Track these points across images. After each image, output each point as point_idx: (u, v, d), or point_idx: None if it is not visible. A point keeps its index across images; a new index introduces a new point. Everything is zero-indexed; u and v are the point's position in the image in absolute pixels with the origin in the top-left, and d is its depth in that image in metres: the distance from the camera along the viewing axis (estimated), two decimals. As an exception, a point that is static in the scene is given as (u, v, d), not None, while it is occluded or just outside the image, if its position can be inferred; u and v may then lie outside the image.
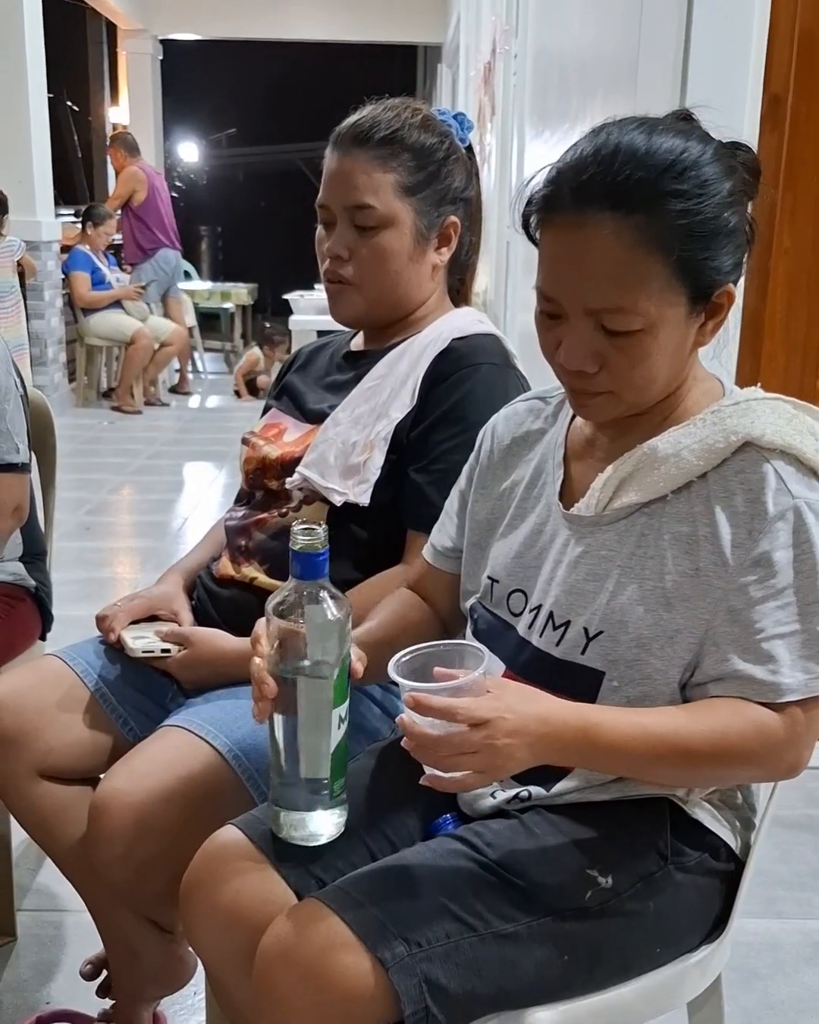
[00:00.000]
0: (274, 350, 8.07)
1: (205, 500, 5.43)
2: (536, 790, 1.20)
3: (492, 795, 1.22)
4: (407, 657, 1.08)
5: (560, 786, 1.18)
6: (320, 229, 1.63)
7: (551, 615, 1.19)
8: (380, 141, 1.55)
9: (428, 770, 1.06)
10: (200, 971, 1.61)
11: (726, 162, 1.10)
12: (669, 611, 1.12)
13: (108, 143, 8.63)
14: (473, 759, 1.02)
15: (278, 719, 1.12)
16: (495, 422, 1.38)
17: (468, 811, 1.25)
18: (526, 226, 1.15)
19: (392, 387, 1.57)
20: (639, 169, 1.05)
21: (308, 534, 1.08)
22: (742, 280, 1.15)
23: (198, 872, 1.21)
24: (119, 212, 8.23)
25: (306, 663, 1.09)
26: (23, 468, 1.97)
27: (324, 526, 1.09)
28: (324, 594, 1.09)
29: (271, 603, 1.10)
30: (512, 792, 1.21)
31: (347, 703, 1.12)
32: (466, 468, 1.40)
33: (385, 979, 1.03)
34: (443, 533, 1.41)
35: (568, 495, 1.24)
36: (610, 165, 1.06)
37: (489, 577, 1.29)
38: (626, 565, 1.15)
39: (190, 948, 1.57)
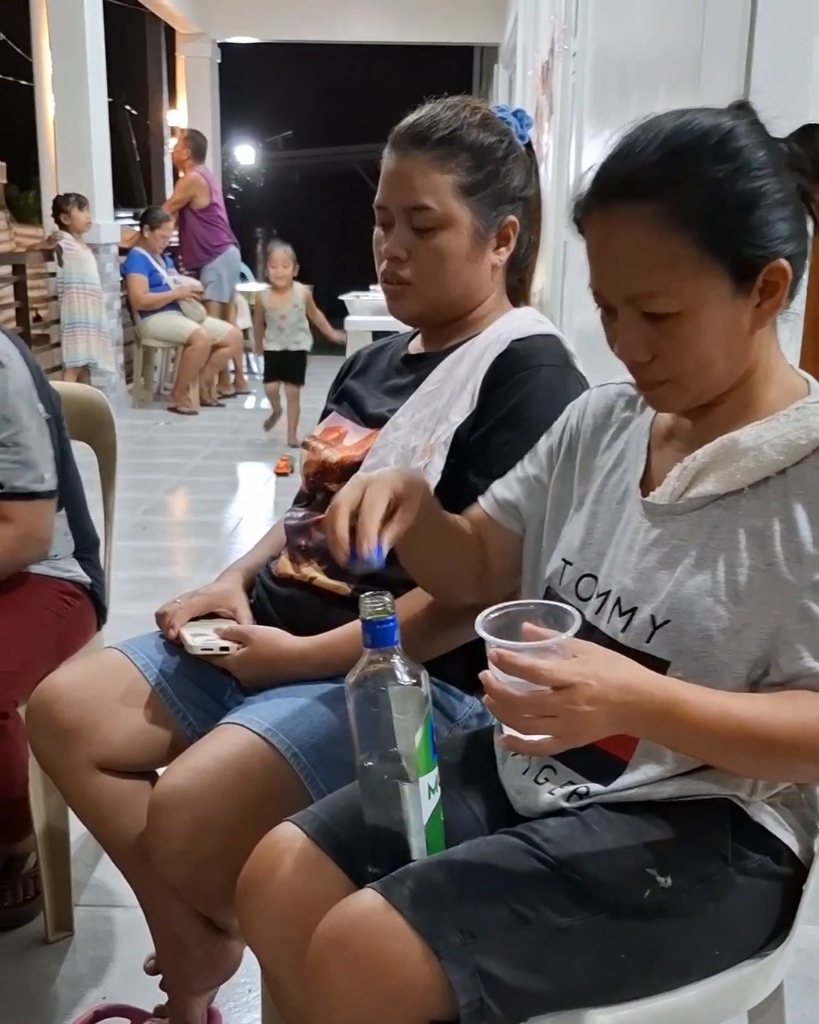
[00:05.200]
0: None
1: (260, 500, 5.46)
2: (595, 786, 1.19)
3: (549, 791, 1.21)
4: (495, 613, 1.07)
5: (619, 782, 1.17)
6: (378, 230, 1.62)
7: (619, 601, 1.18)
8: (438, 141, 1.54)
9: (505, 730, 1.05)
10: (256, 967, 1.61)
11: (762, 134, 1.09)
12: (738, 604, 1.11)
13: (177, 140, 8.68)
14: (552, 723, 1.01)
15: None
16: (586, 401, 1.36)
17: (523, 811, 1.24)
18: (575, 226, 1.16)
19: (452, 391, 1.56)
20: (653, 154, 1.07)
21: (376, 600, 1.10)
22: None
23: (255, 868, 1.22)
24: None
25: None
26: (47, 496, 1.98)
27: (389, 595, 1.10)
28: (397, 662, 1.11)
29: (349, 680, 1.12)
30: (569, 788, 1.20)
31: (436, 771, 1.14)
32: (545, 441, 1.38)
33: (439, 969, 1.03)
34: (507, 488, 1.39)
35: (647, 483, 1.23)
36: (627, 155, 1.09)
37: (563, 559, 1.27)
38: (698, 555, 1.14)
39: (236, 941, 1.61)
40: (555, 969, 1.07)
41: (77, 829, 1.91)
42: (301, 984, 1.11)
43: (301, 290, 6.27)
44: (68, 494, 2.09)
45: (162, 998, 1.70)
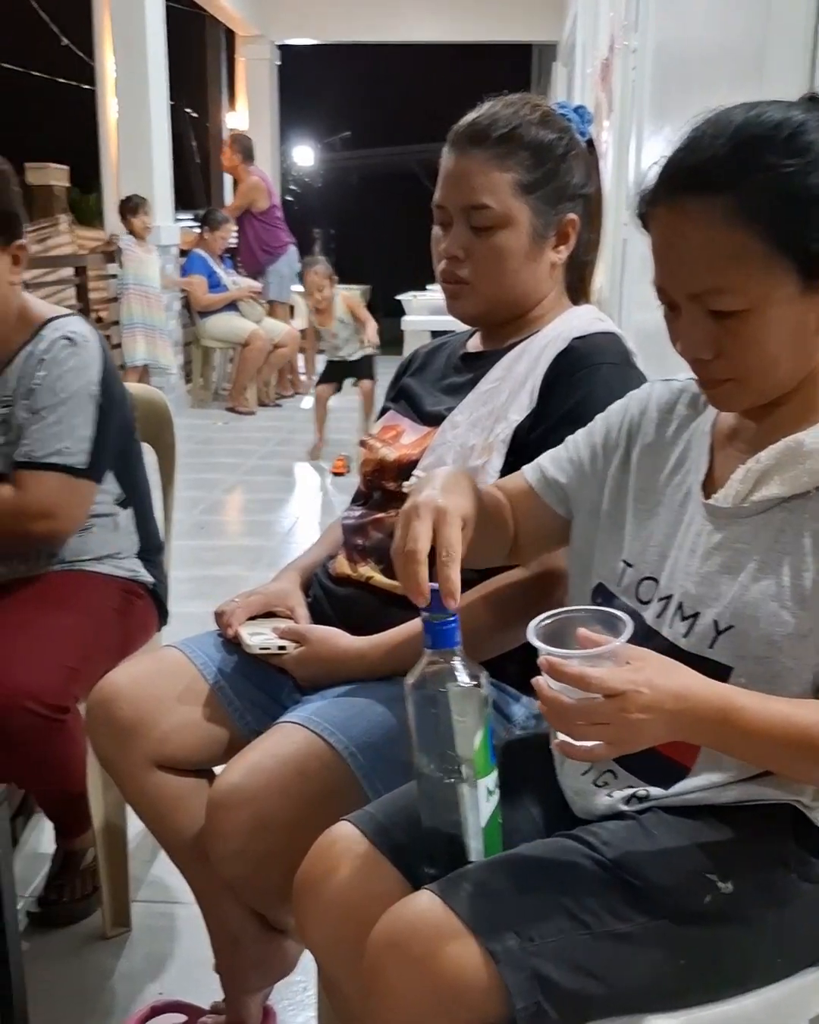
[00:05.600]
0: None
1: (316, 500, 5.47)
2: (655, 790, 1.17)
3: (608, 794, 1.20)
4: (547, 620, 1.06)
5: (680, 786, 1.16)
6: (436, 229, 1.62)
7: (681, 606, 1.17)
8: (497, 139, 1.53)
9: (559, 735, 1.04)
10: (311, 966, 1.62)
11: None
12: (804, 609, 1.08)
13: (225, 144, 8.74)
14: (604, 730, 1.00)
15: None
16: (648, 394, 1.33)
17: (581, 813, 1.23)
18: (639, 221, 1.14)
19: (510, 389, 1.55)
20: (723, 146, 1.04)
21: None
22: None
23: (312, 868, 1.22)
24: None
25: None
26: (69, 470, 1.93)
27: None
28: (457, 663, 1.10)
29: (409, 681, 1.11)
30: (629, 791, 1.18)
31: (495, 773, 1.13)
32: (603, 430, 1.34)
33: (496, 972, 1.02)
34: (559, 468, 1.36)
35: (709, 485, 1.21)
36: (695, 148, 1.07)
37: (624, 562, 1.25)
38: (762, 559, 1.12)
39: (292, 940, 1.61)
40: (613, 974, 1.06)
41: (135, 825, 1.92)
42: (357, 984, 1.11)
43: (343, 300, 6.18)
44: (136, 495, 2.11)
45: (218, 995, 1.70)
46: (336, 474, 5.78)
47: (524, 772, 1.30)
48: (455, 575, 1.11)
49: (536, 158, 1.55)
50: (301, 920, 1.23)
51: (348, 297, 6.25)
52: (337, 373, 6.26)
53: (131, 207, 6.95)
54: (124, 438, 2.06)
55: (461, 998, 1.03)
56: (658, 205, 1.10)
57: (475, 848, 1.13)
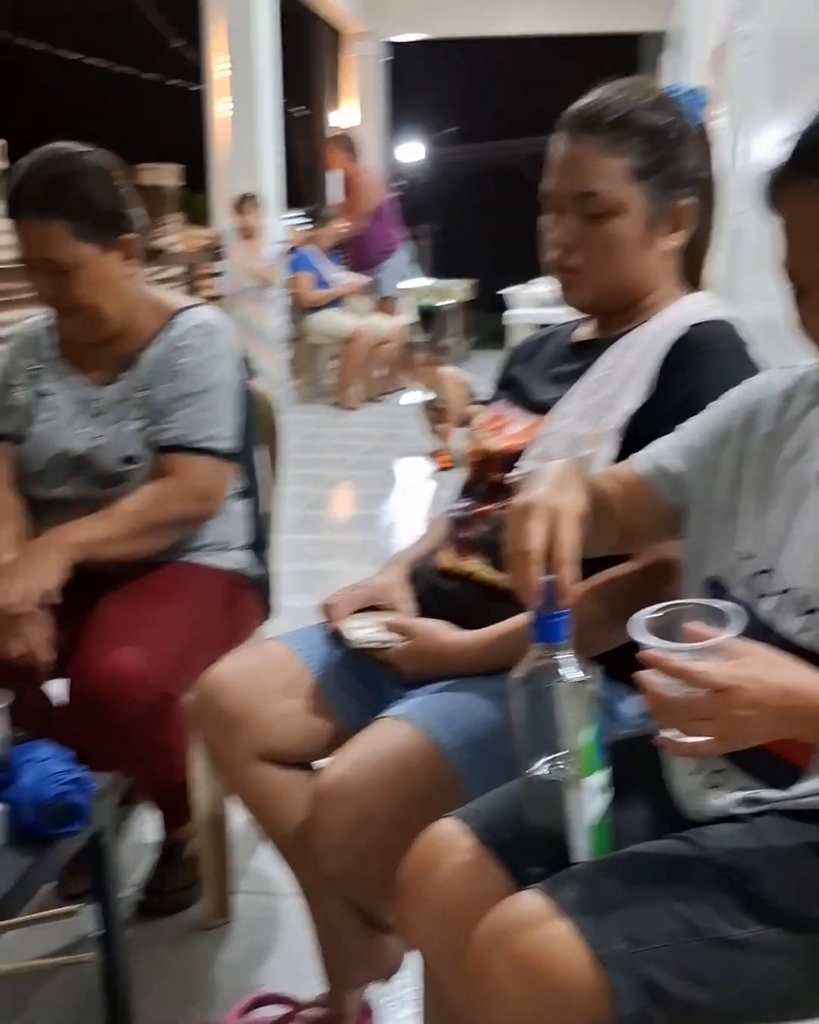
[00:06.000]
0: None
1: (420, 494, 5.46)
2: (770, 793, 1.13)
3: (720, 796, 1.16)
4: (655, 613, 1.04)
5: (800, 788, 1.11)
6: (546, 217, 1.58)
7: (800, 599, 1.12)
8: (610, 124, 1.49)
9: (665, 732, 1.01)
10: (412, 963, 1.60)
11: None
12: None
13: (331, 142, 8.79)
14: (709, 726, 0.97)
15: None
16: (768, 381, 1.29)
17: (692, 814, 1.19)
18: (768, 202, 1.10)
19: (622, 377, 1.51)
20: None
21: None
22: None
23: (415, 864, 1.20)
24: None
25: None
26: (219, 455, 1.98)
27: None
28: (566, 658, 1.08)
29: (516, 676, 1.10)
30: (742, 794, 1.15)
31: (604, 772, 1.11)
32: (720, 418, 1.30)
33: (603, 976, 0.99)
34: (671, 454, 1.31)
35: None
36: None
37: (740, 554, 1.21)
38: None
39: (395, 937, 1.60)
40: (724, 982, 1.02)
41: (237, 817, 1.93)
42: (460, 982, 1.10)
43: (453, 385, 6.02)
44: (253, 487, 2.13)
45: (319, 988, 1.70)
46: (442, 469, 5.75)
47: (632, 772, 1.27)
48: (569, 576, 1.10)
49: (650, 143, 1.50)
50: (403, 916, 1.22)
51: (454, 376, 6.13)
52: None
53: (238, 205, 7.02)
54: (248, 429, 2.08)
55: (566, 1001, 1.01)
56: (789, 185, 1.06)
57: (582, 848, 1.11)
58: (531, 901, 1.05)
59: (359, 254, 8.56)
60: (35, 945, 1.88)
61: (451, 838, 1.19)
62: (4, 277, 5.56)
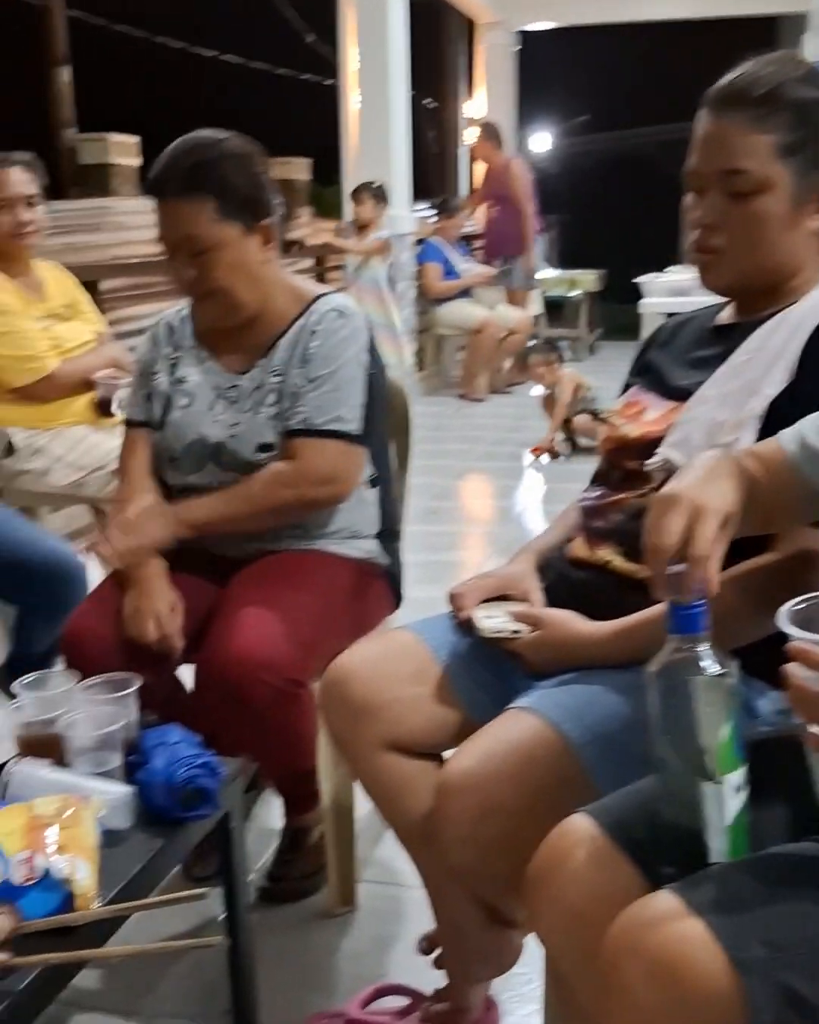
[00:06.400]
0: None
1: (546, 485, 5.41)
2: None
3: None
4: (801, 605, 1.00)
5: None
6: (688, 197, 1.53)
7: None
8: (758, 99, 1.43)
9: (812, 727, 0.97)
10: (536, 958, 1.57)
11: None
12: None
13: (478, 135, 8.73)
14: None
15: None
16: None
17: None
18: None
19: (766, 362, 1.45)
20: None
21: None
22: None
23: (545, 860, 1.18)
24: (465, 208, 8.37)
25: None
26: (345, 437, 1.97)
27: None
28: (705, 650, 1.05)
29: (652, 668, 1.07)
30: None
31: (742, 770, 1.07)
32: None
33: (739, 982, 0.95)
34: None
35: None
36: None
37: None
38: None
39: (517, 932, 1.58)
40: None
41: (362, 805, 1.93)
42: (588, 981, 1.08)
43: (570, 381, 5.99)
44: (384, 475, 2.13)
45: (442, 981, 1.68)
46: (537, 456, 5.71)
47: (771, 771, 1.22)
48: (707, 574, 1.07)
49: (799, 118, 1.44)
50: (533, 912, 1.20)
51: (573, 377, 6.06)
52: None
53: (353, 195, 7.00)
54: (379, 417, 2.08)
55: (699, 1006, 0.97)
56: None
57: (718, 848, 1.07)
58: (666, 901, 1.02)
59: (498, 243, 8.49)
60: (162, 926, 1.91)
61: (582, 834, 1.16)
62: (140, 271, 5.69)
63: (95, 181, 8.87)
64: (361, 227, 7.01)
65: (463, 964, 1.64)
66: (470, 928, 1.58)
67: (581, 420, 5.81)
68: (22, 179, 2.95)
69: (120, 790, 1.42)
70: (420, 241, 7.91)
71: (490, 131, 8.48)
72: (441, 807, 1.41)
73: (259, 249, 1.97)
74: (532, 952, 1.58)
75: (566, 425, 5.80)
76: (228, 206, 1.90)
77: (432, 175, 12.77)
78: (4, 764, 1.44)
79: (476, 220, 8.58)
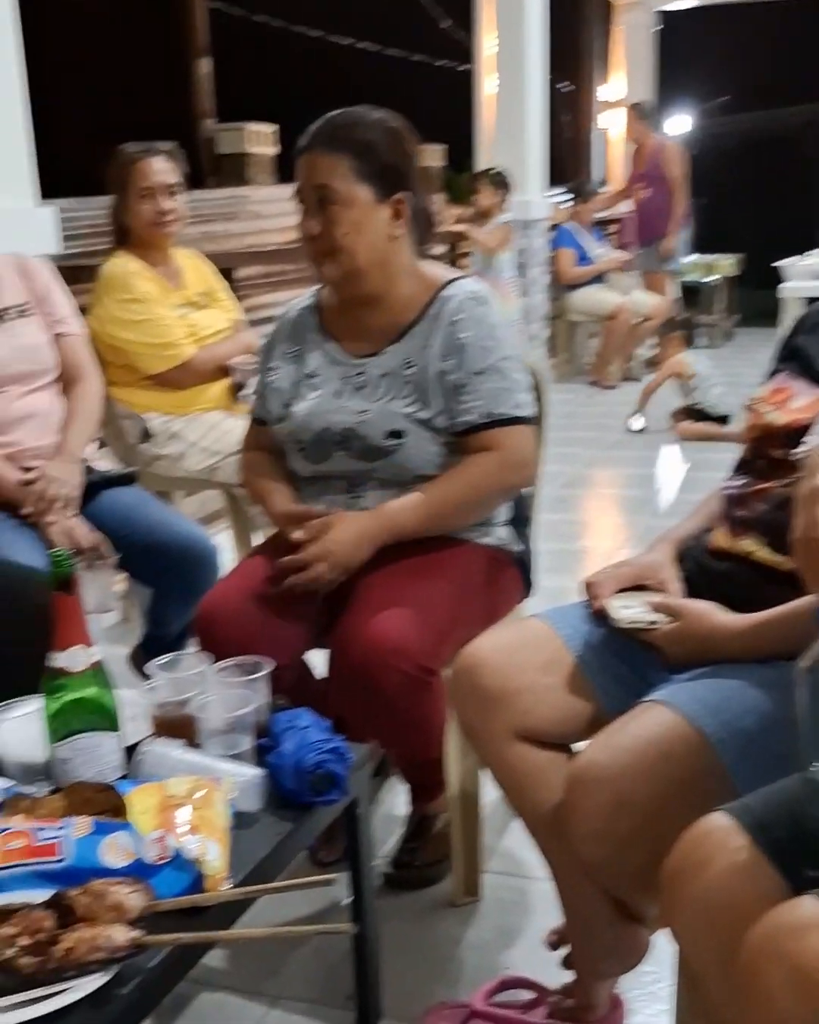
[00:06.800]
0: None
1: (681, 476, 5.30)
2: None
3: None
4: None
5: None
6: None
7: None
8: None
9: None
10: (664, 956, 1.55)
11: None
12: None
13: (629, 116, 8.58)
14: None
15: None
16: None
17: None
18: None
19: None
20: None
21: None
22: None
23: (684, 858, 1.15)
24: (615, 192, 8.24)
25: None
26: (527, 421, 1.98)
27: None
28: None
29: (802, 664, 1.04)
30: None
31: None
32: None
33: None
34: None
35: None
36: None
37: None
38: None
39: (646, 929, 1.55)
40: None
41: (489, 794, 1.91)
42: (724, 983, 1.06)
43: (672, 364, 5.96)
44: None
45: (567, 975, 1.66)
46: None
47: None
48: None
49: None
50: (669, 911, 1.17)
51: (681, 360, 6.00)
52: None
53: (474, 184, 6.92)
54: None
55: None
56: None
57: None
58: (811, 907, 0.99)
59: (647, 226, 8.32)
60: (287, 908, 1.92)
61: (722, 834, 1.13)
62: (275, 259, 5.75)
63: (232, 170, 8.99)
64: (481, 215, 6.93)
65: (590, 959, 1.62)
66: (598, 923, 1.55)
67: (687, 426, 5.80)
68: (164, 168, 3.00)
69: (251, 773, 1.43)
70: (554, 226, 7.82)
71: (642, 111, 8.31)
72: (573, 800, 1.39)
73: (388, 222, 1.95)
74: (662, 950, 1.56)
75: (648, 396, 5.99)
76: (364, 168, 1.90)
77: (566, 159, 12.63)
78: (138, 744, 1.45)
79: (631, 202, 8.40)
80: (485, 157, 7.65)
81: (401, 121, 1.98)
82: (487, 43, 7.63)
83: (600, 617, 1.59)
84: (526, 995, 1.74)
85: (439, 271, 2.07)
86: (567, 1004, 1.66)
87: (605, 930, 1.56)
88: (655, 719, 1.38)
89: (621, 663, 1.57)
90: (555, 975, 1.70)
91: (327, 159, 1.90)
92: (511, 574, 2.09)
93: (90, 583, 2.22)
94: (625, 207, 8.62)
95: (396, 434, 1.95)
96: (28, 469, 2.33)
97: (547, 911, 1.78)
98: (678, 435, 5.82)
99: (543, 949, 1.70)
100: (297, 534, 1.90)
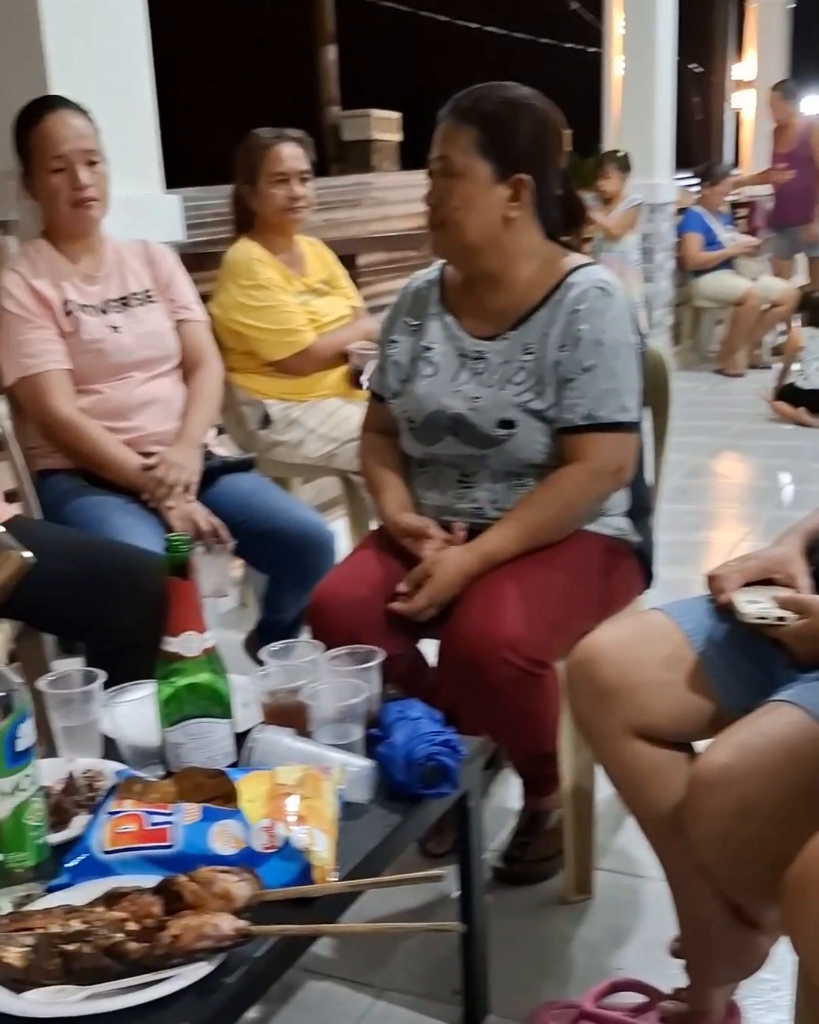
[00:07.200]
0: None
1: (813, 465, 5.15)
2: None
3: None
4: None
5: None
6: None
7: None
8: None
9: None
10: (783, 964, 1.50)
11: None
12: None
13: (773, 95, 8.35)
14: None
15: None
16: None
17: None
18: None
19: None
20: None
21: None
22: None
23: (808, 867, 1.11)
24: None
25: None
26: (629, 427, 1.93)
27: None
28: None
29: None
30: None
31: None
32: None
33: None
34: None
35: None
36: None
37: None
38: None
39: (765, 936, 1.51)
40: None
41: (603, 790, 1.87)
42: None
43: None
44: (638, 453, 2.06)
45: (680, 978, 1.62)
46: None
47: None
48: None
49: None
50: (790, 921, 1.13)
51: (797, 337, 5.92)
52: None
53: (599, 167, 6.80)
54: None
55: None
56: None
57: None
58: None
59: (788, 208, 8.08)
60: (395, 900, 1.92)
61: (850, 845, 1.08)
62: (397, 245, 5.75)
63: (357, 157, 9.03)
64: (606, 200, 6.82)
65: (705, 964, 1.57)
66: (715, 927, 1.51)
67: (781, 408, 5.87)
68: (297, 154, 3.02)
69: (361, 763, 1.42)
70: (681, 210, 7.67)
71: (787, 90, 8.06)
72: (694, 802, 1.35)
73: (503, 201, 1.91)
74: (783, 958, 1.50)
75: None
76: (488, 143, 1.87)
77: (695, 142, 12.39)
78: (249, 731, 1.45)
79: (774, 183, 8.17)
80: (612, 140, 7.54)
81: (548, 104, 1.94)
82: (616, 24, 7.51)
83: (725, 612, 1.54)
84: (637, 998, 1.70)
85: (567, 256, 2.01)
86: (680, 1009, 1.62)
87: (722, 935, 1.51)
88: (783, 719, 1.34)
89: (746, 660, 1.51)
90: (668, 978, 1.66)
91: (455, 130, 1.88)
92: (629, 565, 2.04)
93: (207, 567, 2.24)
94: (760, 190, 8.37)
95: (507, 424, 1.92)
96: (148, 454, 2.36)
97: (661, 912, 1.74)
98: (775, 415, 5.84)
99: (656, 951, 1.67)
100: (400, 586, 1.90)
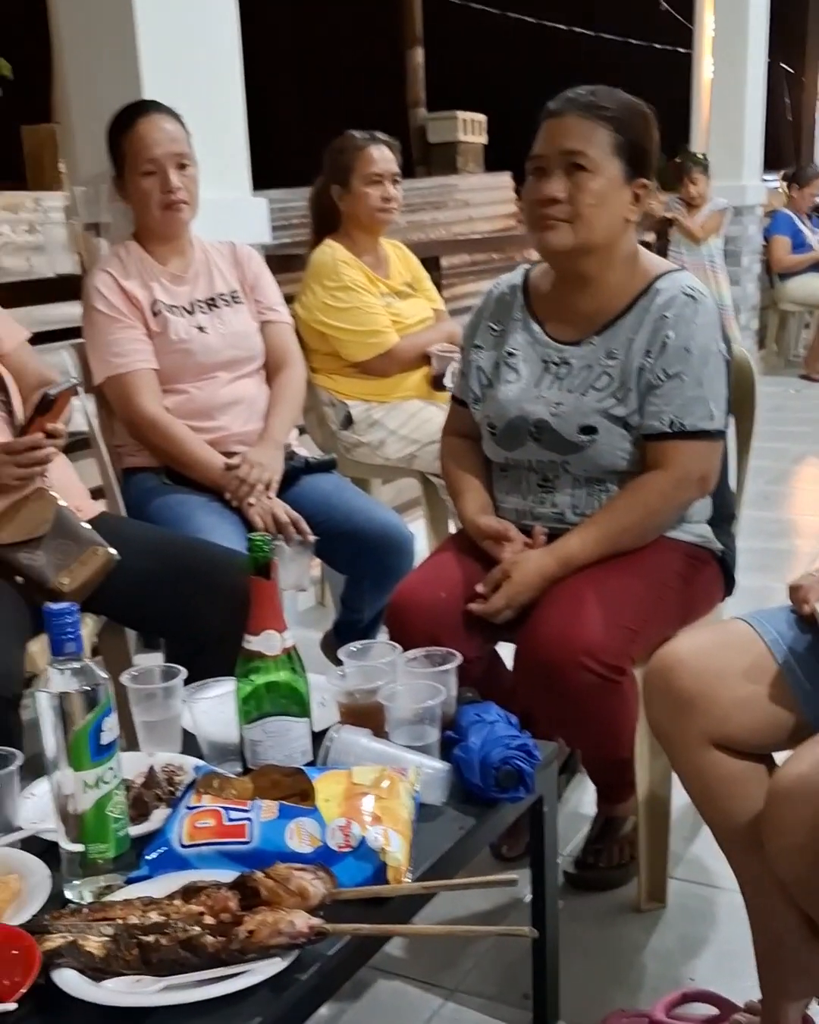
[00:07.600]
0: None
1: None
2: None
3: None
4: None
5: None
6: None
7: None
8: None
9: None
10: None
11: None
12: None
13: None
14: None
15: None
16: None
17: None
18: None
19: None
20: None
21: None
22: None
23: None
24: None
25: None
26: (715, 436, 1.90)
27: None
28: None
29: None
30: None
31: None
32: None
33: None
34: None
35: None
36: None
37: None
38: None
39: None
40: None
41: (679, 798, 1.85)
42: None
43: None
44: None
45: (753, 990, 1.59)
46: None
47: None
48: None
49: None
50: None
51: None
52: None
53: (678, 170, 6.70)
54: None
55: None
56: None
57: None
58: None
59: None
60: (467, 901, 1.91)
61: None
62: (480, 247, 5.75)
63: (442, 159, 9.03)
64: (690, 204, 6.73)
65: (780, 978, 1.55)
66: (791, 940, 1.49)
67: None
68: (388, 156, 3.06)
69: (437, 765, 1.42)
70: (770, 213, 7.56)
71: None
72: (773, 814, 1.34)
73: (628, 204, 1.89)
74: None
75: None
76: (620, 144, 1.85)
77: (785, 143, 12.21)
78: (326, 730, 1.46)
79: None
80: (701, 142, 7.46)
81: (651, 111, 1.93)
82: (707, 24, 7.43)
83: (807, 623, 1.52)
84: (709, 1010, 1.68)
85: (655, 261, 2.00)
86: (753, 1022, 1.60)
87: (797, 947, 1.49)
88: None
89: (830, 672, 1.49)
90: (741, 991, 1.64)
91: (585, 125, 1.84)
92: (711, 573, 2.02)
93: (288, 561, 2.26)
94: None
95: (589, 430, 1.90)
96: (231, 454, 2.39)
97: (735, 923, 1.71)
98: None
99: (730, 963, 1.65)
100: (478, 587, 1.90)
